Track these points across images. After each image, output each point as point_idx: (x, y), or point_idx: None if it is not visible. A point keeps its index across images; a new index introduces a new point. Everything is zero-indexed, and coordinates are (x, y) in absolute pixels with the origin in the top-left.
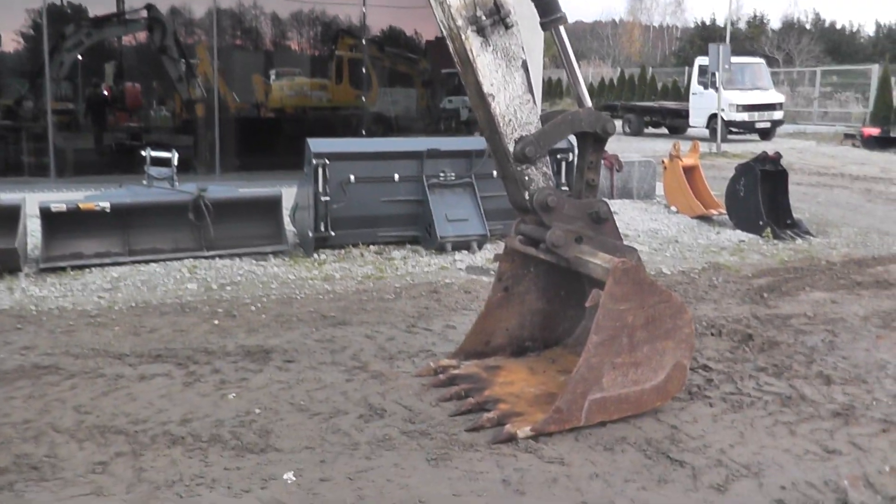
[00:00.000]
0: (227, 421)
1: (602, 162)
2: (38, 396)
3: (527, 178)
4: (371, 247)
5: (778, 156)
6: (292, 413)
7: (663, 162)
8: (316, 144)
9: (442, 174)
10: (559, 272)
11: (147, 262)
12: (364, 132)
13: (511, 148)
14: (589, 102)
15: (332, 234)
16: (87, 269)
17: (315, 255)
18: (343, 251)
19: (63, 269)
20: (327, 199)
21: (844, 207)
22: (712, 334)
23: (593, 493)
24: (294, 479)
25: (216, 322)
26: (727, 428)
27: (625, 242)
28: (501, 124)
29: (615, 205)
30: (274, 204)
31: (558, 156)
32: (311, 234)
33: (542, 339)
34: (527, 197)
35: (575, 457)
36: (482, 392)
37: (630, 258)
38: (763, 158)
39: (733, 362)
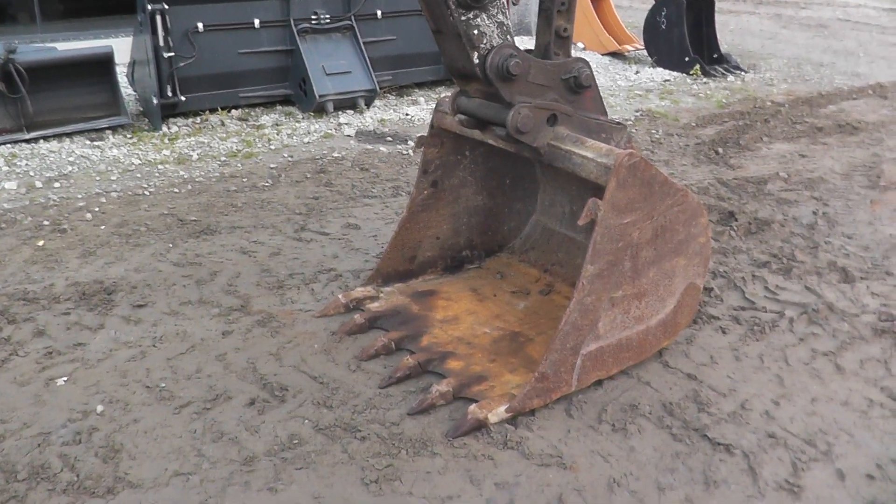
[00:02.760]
0: (56, 433)
1: None
2: None
3: (475, 31)
4: (233, 112)
5: None
6: (151, 406)
7: None
8: None
9: (314, 17)
10: (501, 154)
11: None
12: None
13: None
14: None
15: (182, 98)
16: None
17: (164, 128)
18: (199, 120)
19: None
20: (171, 54)
21: (761, 36)
22: None
23: None
24: None
25: (41, 243)
26: (758, 370)
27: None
28: None
29: None
30: (104, 64)
31: None
32: (155, 101)
33: (482, 245)
34: (475, 59)
35: (576, 448)
36: (419, 340)
37: (619, 137)
38: None
39: (724, 255)
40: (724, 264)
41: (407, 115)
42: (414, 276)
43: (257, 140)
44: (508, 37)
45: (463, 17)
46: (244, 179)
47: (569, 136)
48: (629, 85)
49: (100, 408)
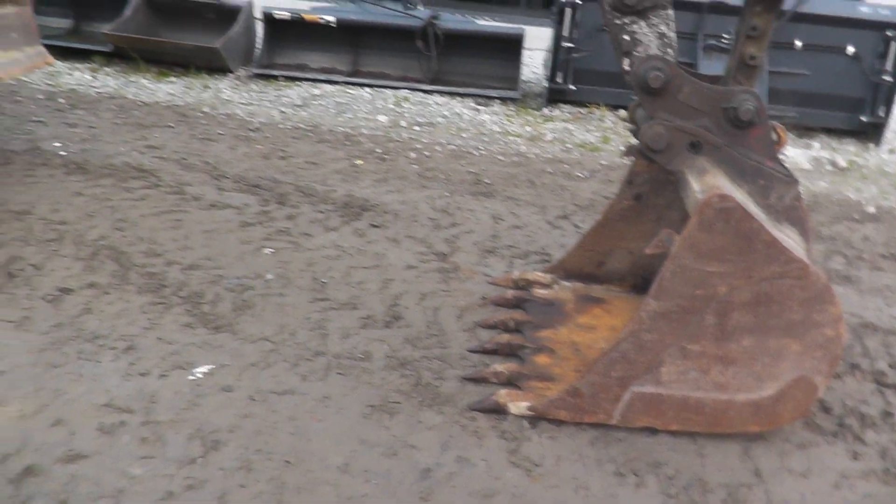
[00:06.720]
0: (227, 281)
1: None
2: (96, 197)
3: (627, 37)
4: (621, 111)
5: None
6: (300, 292)
7: None
8: None
9: (725, 36)
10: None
11: (363, 85)
12: None
13: None
14: None
15: (572, 87)
16: (298, 83)
17: (547, 110)
18: (585, 111)
19: (275, 77)
20: (570, 45)
21: None
22: None
23: None
24: (200, 376)
25: (358, 162)
26: None
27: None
28: None
29: None
30: (514, 43)
31: (887, 31)
32: (545, 84)
33: None
34: (626, 66)
35: (562, 469)
36: (538, 331)
37: (783, 190)
38: None
39: None
40: None
41: (788, 156)
42: (597, 281)
43: (616, 140)
44: (669, 50)
45: (617, 21)
46: (566, 166)
47: (702, 168)
48: None
49: (269, 276)
